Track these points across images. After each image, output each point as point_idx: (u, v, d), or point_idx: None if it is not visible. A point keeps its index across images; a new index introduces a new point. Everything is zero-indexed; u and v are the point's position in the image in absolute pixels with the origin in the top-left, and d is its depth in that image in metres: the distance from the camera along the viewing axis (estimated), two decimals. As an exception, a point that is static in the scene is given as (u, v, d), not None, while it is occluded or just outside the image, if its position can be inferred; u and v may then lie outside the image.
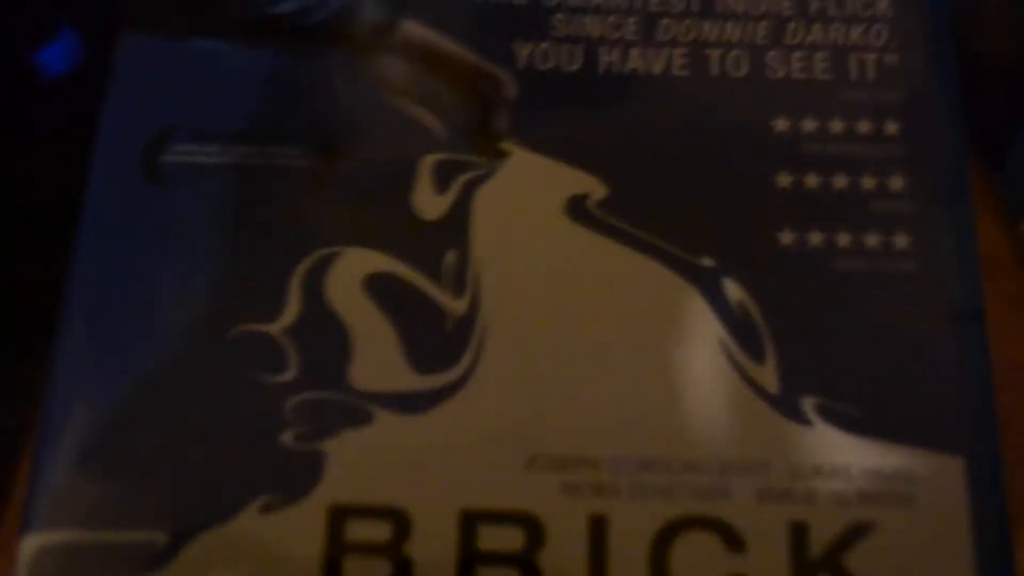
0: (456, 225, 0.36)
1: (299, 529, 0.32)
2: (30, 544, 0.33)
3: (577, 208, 0.36)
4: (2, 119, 0.45)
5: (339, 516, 0.33)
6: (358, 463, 0.33)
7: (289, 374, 0.34)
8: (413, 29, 0.38)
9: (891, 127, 0.36)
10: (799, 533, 0.32)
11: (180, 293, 0.35)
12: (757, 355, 0.34)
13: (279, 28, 0.38)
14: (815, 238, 0.35)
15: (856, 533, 0.32)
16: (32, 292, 0.45)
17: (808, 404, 0.33)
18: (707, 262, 0.35)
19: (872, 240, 0.35)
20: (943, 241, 0.35)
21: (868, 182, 0.36)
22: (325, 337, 0.34)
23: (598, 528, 0.32)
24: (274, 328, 0.34)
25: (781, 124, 0.37)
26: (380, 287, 0.35)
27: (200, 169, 0.36)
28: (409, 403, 0.34)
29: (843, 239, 0.35)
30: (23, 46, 0.45)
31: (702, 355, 0.34)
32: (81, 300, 0.35)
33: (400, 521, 0.32)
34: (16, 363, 0.43)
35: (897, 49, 0.37)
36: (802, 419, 0.33)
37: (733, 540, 0.32)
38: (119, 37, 0.38)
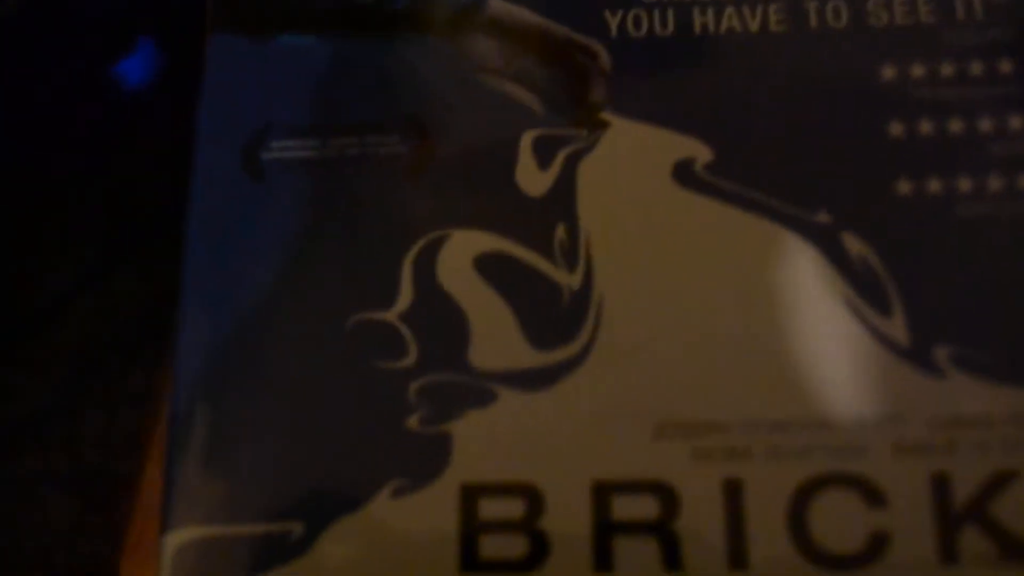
0: (562, 200, 0.36)
1: (432, 511, 0.33)
2: (171, 542, 0.33)
3: (684, 173, 0.36)
4: (87, 133, 0.46)
5: (471, 495, 0.33)
6: (485, 442, 0.33)
7: (409, 359, 0.34)
8: (499, 6, 0.38)
9: (1005, 66, 0.36)
10: (941, 485, 0.32)
11: (293, 287, 0.35)
12: (883, 308, 0.33)
13: (365, 17, 0.39)
14: (934, 185, 0.34)
15: (1001, 482, 0.32)
16: (138, 302, 0.45)
17: (941, 354, 0.33)
18: (823, 218, 0.34)
19: (995, 183, 0.34)
20: (1068, 178, 0.34)
21: (985, 124, 0.35)
22: (441, 320, 0.35)
23: (733, 492, 0.32)
24: (390, 315, 0.35)
25: (888, 72, 0.36)
26: (491, 267, 0.35)
27: (301, 164, 0.37)
28: (531, 380, 0.34)
29: (964, 184, 0.34)
30: (102, 59, 0.46)
31: (826, 312, 0.34)
32: (196, 298, 0.35)
33: (532, 497, 0.32)
34: (122, 370, 0.43)
35: (1004, -14, 0.36)
36: (936, 370, 0.33)
37: (873, 496, 0.32)
38: (206, 39, 0.39)
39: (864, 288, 0.34)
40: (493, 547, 0.32)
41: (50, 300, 0.45)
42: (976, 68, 0.36)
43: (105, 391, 0.45)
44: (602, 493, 0.33)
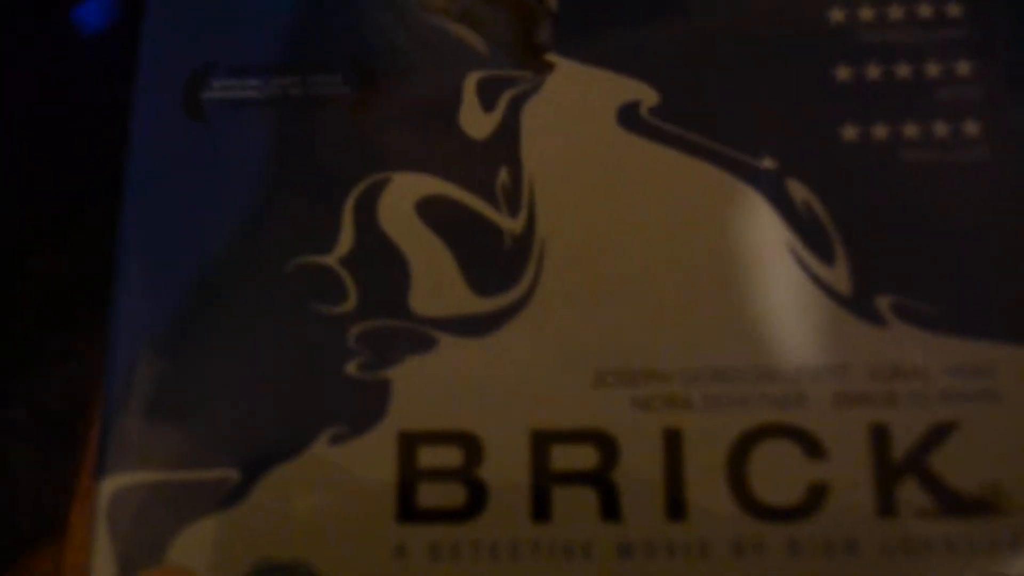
0: (506, 143, 0.36)
1: (371, 458, 0.33)
2: (106, 487, 0.33)
3: (629, 116, 0.35)
4: (44, 80, 0.45)
5: (410, 443, 0.33)
6: (425, 389, 0.33)
7: (349, 304, 0.34)
8: (448, -56, 0.37)
9: (953, 9, 0.36)
10: (880, 436, 0.32)
11: (233, 229, 0.35)
12: (827, 256, 0.33)
13: (311, -47, 0.37)
14: (880, 131, 0.34)
15: (940, 433, 0.32)
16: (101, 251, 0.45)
17: (883, 304, 0.33)
18: (768, 163, 0.34)
19: (941, 129, 0.34)
20: (1016, 126, 0.34)
21: (932, 69, 0.35)
22: (382, 265, 0.34)
23: (672, 441, 0.32)
24: (330, 258, 0.34)
25: (836, 15, 0.36)
26: (434, 211, 0.35)
27: (242, 103, 0.37)
28: (472, 326, 0.34)
29: (909, 130, 0.34)
30: (60, 4, 0.45)
31: (769, 259, 0.34)
32: (135, 242, 0.35)
33: (471, 445, 0.33)
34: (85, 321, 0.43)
35: (956, -74, 0.36)
36: (878, 319, 0.33)
37: (812, 447, 0.32)
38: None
39: (808, 235, 0.34)
40: (431, 496, 0.32)
41: (11, 251, 0.45)
42: (925, 11, 0.36)
43: (68, 341, 0.44)
44: (541, 442, 0.33)
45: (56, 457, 0.42)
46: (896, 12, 0.35)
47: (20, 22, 0.45)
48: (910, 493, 0.31)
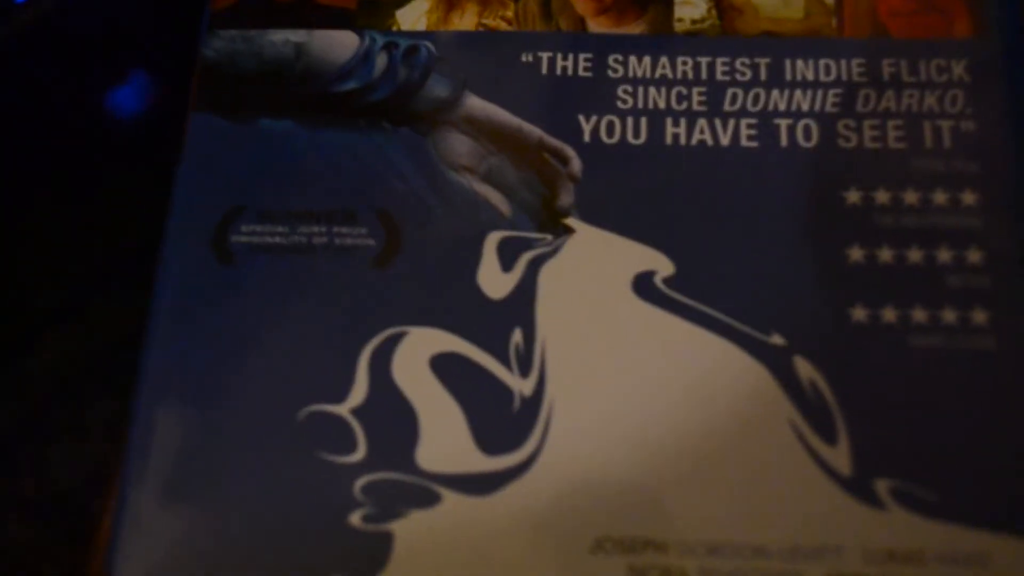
0: (522, 304, 0.37)
1: None
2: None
3: (644, 285, 0.37)
4: (76, 159, 0.47)
5: (411, 600, 0.33)
6: (425, 544, 0.34)
7: (358, 455, 0.35)
8: (476, 104, 0.40)
9: (968, 197, 0.37)
10: (875, 620, 0.32)
11: (250, 372, 0.37)
12: (829, 436, 0.34)
13: (343, 107, 0.40)
14: (889, 314, 0.36)
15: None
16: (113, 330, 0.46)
17: (882, 487, 0.34)
18: (777, 340, 0.36)
19: (949, 316, 0.36)
20: (1022, 317, 0.35)
21: (944, 255, 0.36)
22: (393, 417, 0.36)
23: (667, 613, 0.33)
24: (343, 408, 0.36)
25: (853, 196, 0.37)
26: (447, 367, 0.36)
27: (269, 249, 0.38)
28: (476, 484, 0.35)
29: (918, 315, 0.36)
30: (97, 86, 0.47)
31: (772, 436, 0.35)
32: (154, 380, 0.37)
33: (467, 607, 0.33)
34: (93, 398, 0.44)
35: (974, 116, 0.38)
36: (876, 502, 0.34)
37: (804, 628, 0.32)
38: (188, 116, 0.40)
39: (812, 414, 0.35)
40: None
41: (29, 325, 0.46)
42: (940, 197, 0.37)
43: (77, 416, 0.45)
44: (537, 608, 0.33)
45: (61, 533, 0.43)
46: (911, 197, 0.37)
47: (57, 98, 0.47)
48: None
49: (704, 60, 0.40)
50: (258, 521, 0.35)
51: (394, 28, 0.41)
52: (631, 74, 0.39)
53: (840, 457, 0.34)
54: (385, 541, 0.34)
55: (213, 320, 0.37)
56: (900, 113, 0.38)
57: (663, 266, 0.37)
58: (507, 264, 0.37)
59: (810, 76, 0.39)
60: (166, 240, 0.39)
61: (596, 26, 0.40)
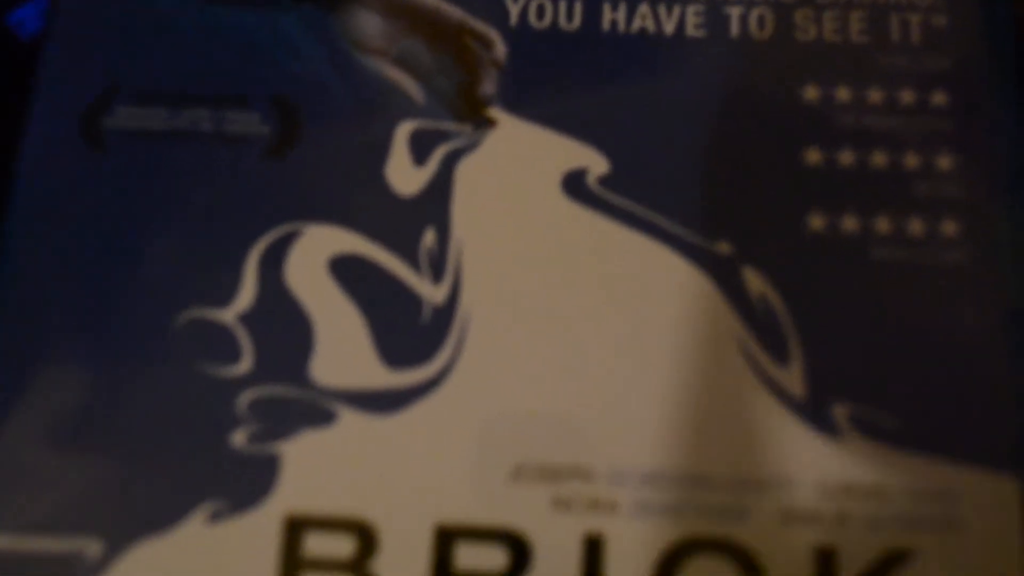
0: (435, 202, 0.34)
1: (250, 542, 0.31)
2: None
3: (575, 184, 0.34)
4: None
5: (296, 528, 0.31)
6: (318, 469, 0.32)
7: (242, 366, 0.33)
8: (391, -21, 0.36)
9: (938, 98, 0.35)
10: (826, 560, 0.30)
11: (122, 272, 0.34)
12: (781, 356, 0.32)
13: (238, -22, 0.36)
14: (849, 223, 0.33)
15: (892, 561, 0.30)
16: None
17: (839, 412, 0.32)
18: (724, 249, 0.33)
19: (915, 227, 0.33)
20: (997, 229, 0.33)
21: (911, 160, 0.34)
22: (284, 325, 0.33)
23: (593, 549, 0.31)
24: (227, 314, 0.33)
25: (811, 92, 0.35)
26: (348, 270, 0.33)
27: (146, 135, 0.35)
28: (378, 402, 0.32)
29: (882, 225, 0.33)
30: None
31: (717, 355, 0.32)
32: (12, 280, 0.33)
33: (366, 536, 0.31)
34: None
35: (945, 9, 0.36)
36: (832, 430, 0.32)
37: (750, 567, 0.30)
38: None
39: (762, 331, 0.32)
40: None
41: None
42: (907, 97, 0.35)
43: None
44: (445, 539, 0.31)
45: None
46: (876, 95, 0.34)
47: None
48: None
49: (648, -64, 0.36)
50: (126, 440, 0.32)
51: None
52: (566, -49, 0.36)
53: (793, 379, 0.31)
54: (271, 464, 0.32)
55: (82, 214, 0.34)
56: (864, 4, 0.36)
57: (597, 163, 0.34)
58: (420, 158, 0.35)
59: (765, -38, 0.36)
60: (28, 126, 0.35)
61: None
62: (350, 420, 0.32)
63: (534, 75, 0.36)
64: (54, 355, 0.33)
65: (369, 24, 0.36)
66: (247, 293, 0.33)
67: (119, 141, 0.35)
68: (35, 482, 0.31)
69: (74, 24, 0.37)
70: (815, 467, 0.31)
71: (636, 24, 0.36)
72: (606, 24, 0.36)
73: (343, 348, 0.32)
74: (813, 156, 0.34)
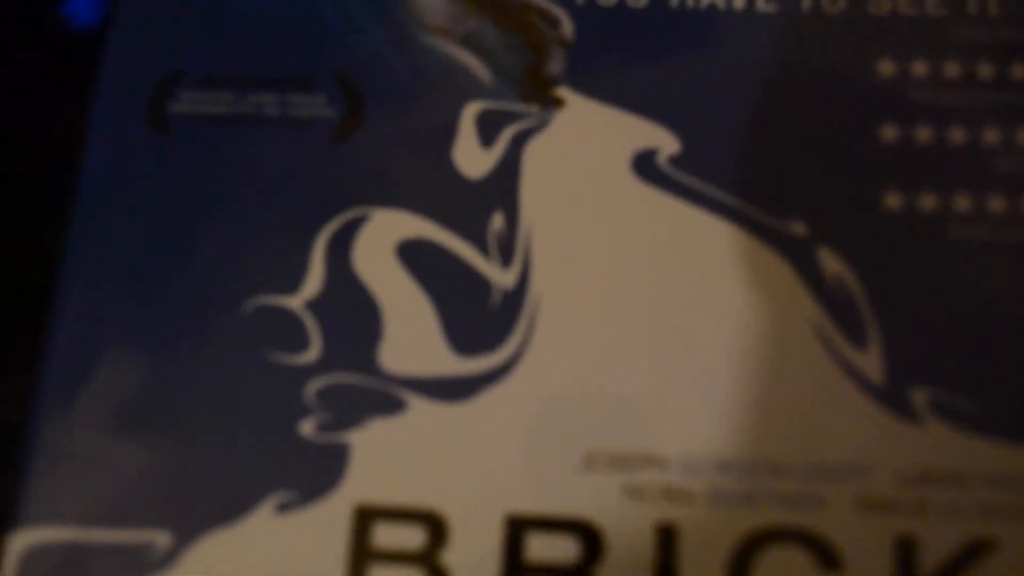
0: (503, 185, 0.34)
1: (319, 532, 0.30)
2: (18, 542, 0.31)
3: (645, 165, 0.33)
4: (32, 75, 0.44)
5: (366, 518, 0.31)
6: (388, 458, 0.31)
7: (311, 354, 0.32)
8: (455, -41, 0.36)
9: (1017, 71, 0.34)
10: (906, 550, 0.30)
11: (187, 260, 0.33)
12: (858, 339, 0.31)
13: (301, -41, 0.36)
14: (927, 202, 0.32)
15: (975, 551, 0.30)
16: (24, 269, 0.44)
17: (918, 397, 0.31)
18: (798, 229, 0.32)
19: (996, 204, 0.32)
20: (1080, 206, 0.32)
21: (991, 136, 0.33)
22: (352, 312, 0.32)
23: (666, 539, 0.30)
24: (294, 301, 0.32)
25: (885, 68, 0.34)
26: (416, 255, 0.33)
27: (211, 120, 0.35)
28: (448, 390, 0.32)
29: (961, 203, 0.32)
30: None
31: (792, 338, 0.31)
32: (78, 264, 0.33)
33: (436, 526, 0.30)
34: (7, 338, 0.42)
35: (1024, -21, 0.34)
36: (910, 415, 0.31)
37: (827, 556, 0.29)
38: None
39: (838, 314, 0.32)
40: None
41: None
42: (985, 71, 0.33)
43: (32, 350, 0.42)
44: (516, 529, 0.30)
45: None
46: (953, 70, 0.33)
47: (5, 15, 0.44)
48: None
49: (717, -91, 0.36)
50: (193, 429, 0.31)
51: None
52: (633, -74, 0.35)
53: (870, 363, 0.30)
54: (341, 453, 0.31)
55: (148, 200, 0.34)
56: (940, -25, 0.34)
57: (667, 143, 0.33)
58: (487, 139, 0.34)
59: (836, -67, 0.35)
60: (94, 111, 0.35)
61: None
62: (420, 408, 0.31)
63: (601, 53, 0.35)
64: (120, 342, 0.32)
65: (434, 4, 0.35)
66: (314, 279, 0.33)
67: (184, 126, 0.35)
68: (102, 472, 0.31)
69: (138, 9, 0.36)
70: (893, 453, 0.30)
71: (704, 0, 0.35)
72: (674, 0, 0.35)
73: (412, 335, 0.32)
74: (888, 133, 0.33)
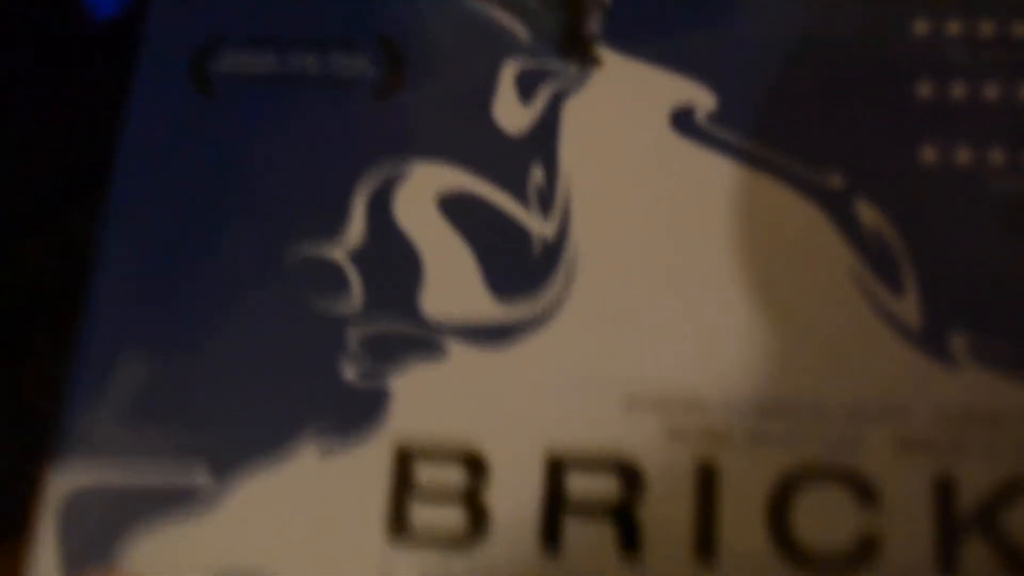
0: (543, 140, 0.34)
1: (362, 472, 0.31)
2: (61, 482, 0.31)
3: (683, 120, 0.34)
4: (52, 65, 0.44)
5: (407, 458, 0.31)
6: (428, 401, 0.31)
7: (353, 302, 0.32)
8: (494, -80, 0.36)
9: (1050, 29, 0.33)
10: (945, 489, 0.30)
11: (232, 212, 0.34)
12: (895, 287, 0.31)
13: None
14: (963, 156, 0.32)
15: (1014, 490, 0.29)
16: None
17: (956, 342, 0.31)
18: (835, 182, 0.32)
19: (1030, 157, 0.32)
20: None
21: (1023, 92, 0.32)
22: (394, 261, 0.33)
23: (707, 479, 0.30)
24: (337, 251, 0.33)
25: (920, 26, 0.34)
26: (457, 207, 0.33)
27: (255, 80, 0.35)
28: (488, 336, 0.32)
29: (996, 157, 0.32)
30: None
31: (830, 286, 0.32)
32: (122, 218, 0.34)
33: (476, 465, 0.31)
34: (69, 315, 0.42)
35: (1059, -63, 0.34)
36: (949, 359, 0.31)
37: (867, 494, 0.29)
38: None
39: (875, 262, 0.32)
40: (427, 517, 0.30)
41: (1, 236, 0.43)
42: (1019, 29, 0.33)
43: (57, 338, 0.43)
44: (557, 467, 0.30)
45: (37, 456, 0.40)
46: (987, 28, 0.33)
47: (28, 3, 0.44)
48: (974, 554, 0.29)
49: None
50: (241, 374, 0.32)
51: None
52: None
53: (908, 310, 0.31)
54: (382, 398, 0.31)
55: (191, 156, 0.34)
56: (974, -65, 0.34)
57: (705, 99, 0.34)
58: (526, 96, 0.34)
59: None
60: (138, 72, 0.35)
61: None
62: (460, 354, 0.31)
63: (639, 11, 0.35)
64: (166, 294, 0.33)
65: (474, -34, 0.36)
66: (356, 230, 0.33)
67: (228, 86, 0.35)
68: (151, 418, 0.31)
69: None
70: (931, 395, 0.30)
71: (742, -42, 0.35)
72: (711, -40, 0.35)
73: (453, 281, 0.32)
74: (925, 89, 0.33)
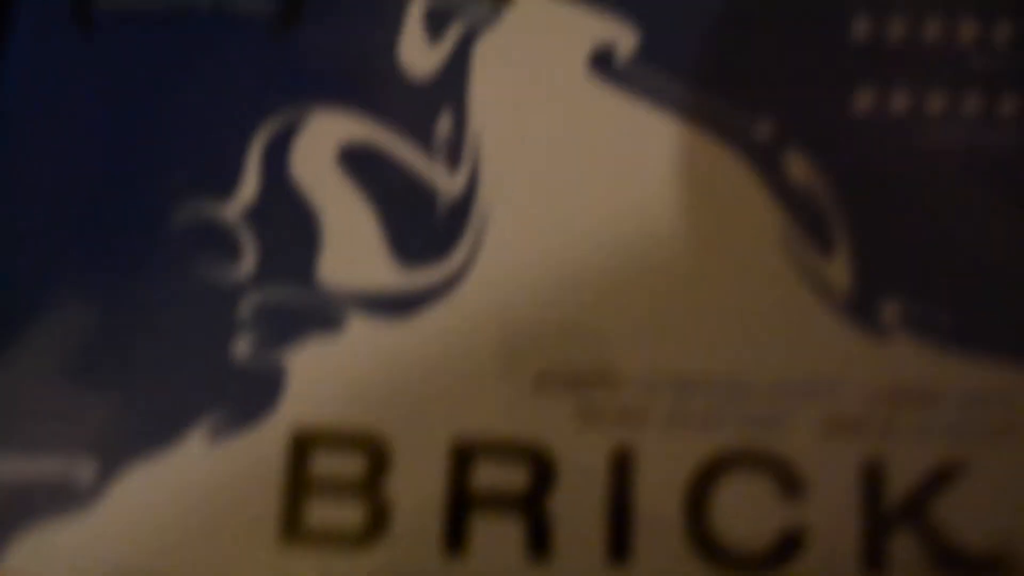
0: (451, 84, 0.32)
1: (255, 460, 0.29)
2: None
3: (602, 62, 0.32)
4: None
5: (303, 444, 0.29)
6: (327, 379, 0.30)
7: (244, 268, 0.31)
8: None
9: (996, -37, 0.31)
10: (873, 474, 0.28)
11: (113, 164, 0.32)
12: (824, 247, 0.30)
13: None
14: (899, 101, 0.31)
15: (945, 475, 0.28)
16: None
17: (888, 310, 0.29)
18: (763, 130, 0.31)
19: (971, 105, 0.31)
20: (1061, 107, 0.30)
21: (967, 32, 0.31)
22: (289, 222, 0.31)
23: (622, 464, 0.29)
24: (227, 210, 0.31)
25: (858, -42, 0.32)
26: (357, 160, 0.31)
27: (140, 16, 0.33)
28: (390, 305, 0.30)
29: (934, 103, 0.31)
30: None
31: (755, 246, 0.30)
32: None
33: (377, 451, 0.29)
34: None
35: None
36: (879, 328, 0.29)
37: (791, 482, 0.28)
38: None
39: (804, 220, 0.30)
40: (324, 512, 0.29)
41: None
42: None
43: None
44: (463, 454, 0.29)
45: None
46: (927, -39, 0.31)
47: None
48: (904, 547, 0.28)
49: None
50: (119, 348, 0.30)
51: None
52: None
53: (837, 272, 0.29)
54: (276, 376, 0.30)
55: (73, 101, 0.32)
56: None
57: (626, 38, 0.32)
58: (434, 35, 0.32)
59: None
60: (17, 8, 0.33)
61: None
62: (360, 325, 0.30)
63: (555, -57, 0.32)
64: (40, 256, 0.31)
65: None
66: (249, 187, 0.31)
67: (111, 23, 0.33)
68: (22, 399, 0.30)
69: None
70: (861, 370, 0.29)
71: None
72: None
73: (353, 246, 0.31)
74: (860, 28, 0.32)
